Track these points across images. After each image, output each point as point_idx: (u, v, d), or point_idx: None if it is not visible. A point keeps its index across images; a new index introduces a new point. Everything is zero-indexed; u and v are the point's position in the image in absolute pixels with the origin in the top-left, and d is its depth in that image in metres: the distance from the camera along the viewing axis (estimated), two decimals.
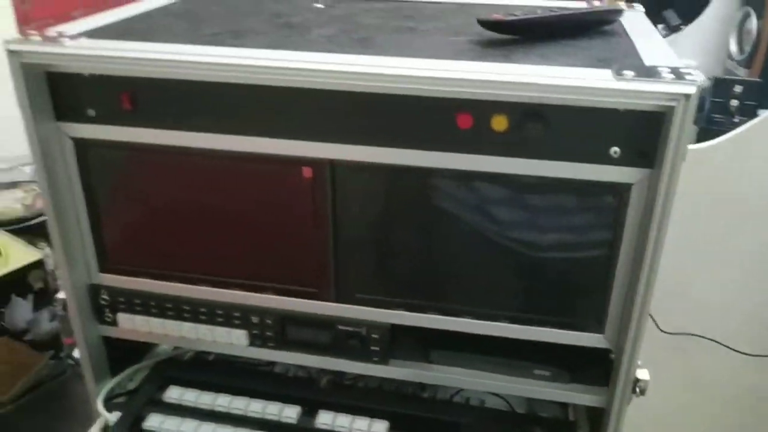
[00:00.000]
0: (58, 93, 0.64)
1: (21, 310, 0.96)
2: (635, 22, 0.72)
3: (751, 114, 1.56)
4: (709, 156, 1.43)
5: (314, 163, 0.62)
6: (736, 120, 1.72)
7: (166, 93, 0.62)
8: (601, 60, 0.58)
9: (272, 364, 0.84)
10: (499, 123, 0.57)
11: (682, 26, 2.22)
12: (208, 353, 0.84)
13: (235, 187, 0.65)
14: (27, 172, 1.33)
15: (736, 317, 1.51)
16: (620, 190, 0.58)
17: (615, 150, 0.56)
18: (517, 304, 0.65)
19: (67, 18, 0.70)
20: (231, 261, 0.69)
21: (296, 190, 0.63)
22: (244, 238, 0.67)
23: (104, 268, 0.72)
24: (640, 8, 0.78)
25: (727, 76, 1.89)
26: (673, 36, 2.12)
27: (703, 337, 1.53)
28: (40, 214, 1.12)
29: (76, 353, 1.08)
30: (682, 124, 0.52)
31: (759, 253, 1.45)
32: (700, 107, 0.52)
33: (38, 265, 0.96)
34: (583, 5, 0.81)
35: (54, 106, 0.64)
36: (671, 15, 2.37)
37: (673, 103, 0.51)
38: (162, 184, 0.67)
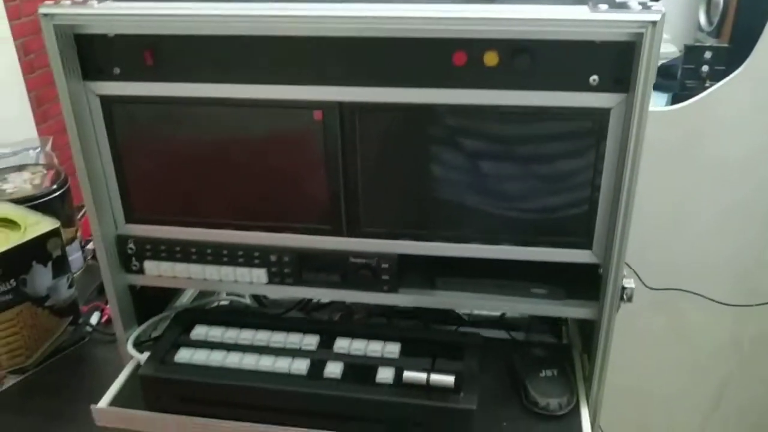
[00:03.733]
0: (85, 53, 0.70)
1: (42, 277, 1.01)
2: None
3: (721, 79, 1.63)
4: (681, 117, 1.51)
5: (324, 105, 0.68)
6: (707, 85, 1.80)
7: (184, 48, 0.68)
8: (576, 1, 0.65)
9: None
10: (491, 58, 0.64)
11: (652, 0, 2.30)
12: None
13: (251, 133, 0.72)
14: (32, 155, 1.39)
15: (715, 270, 1.59)
16: (600, 114, 0.65)
17: (594, 78, 0.63)
18: (515, 227, 0.72)
19: None
20: (250, 204, 0.75)
21: (308, 132, 0.70)
22: (262, 181, 0.74)
23: (130, 219, 0.78)
24: None
25: (696, 44, 1.97)
26: None
27: (685, 290, 1.60)
28: (49, 193, 1.17)
29: (93, 319, 1.14)
30: (651, 48, 0.59)
31: (732, 208, 1.53)
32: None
33: (56, 233, 1.02)
34: None
35: (82, 65, 0.70)
36: None
37: (641, 30, 0.59)
38: (182, 134, 0.73)
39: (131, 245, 0.79)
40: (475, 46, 0.63)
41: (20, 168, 1.28)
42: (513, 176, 0.69)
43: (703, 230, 1.58)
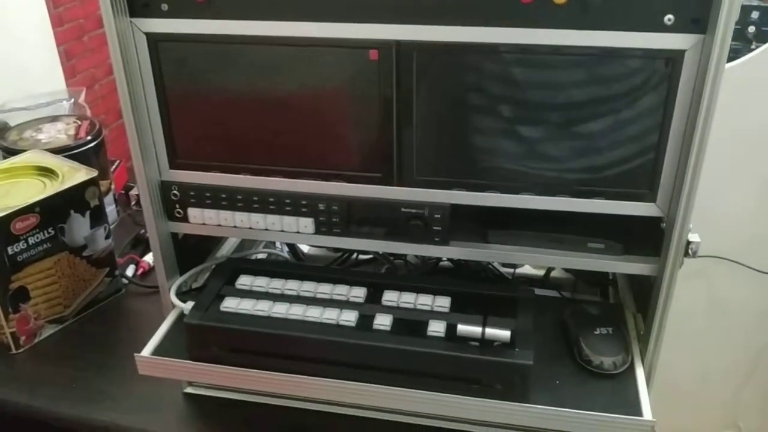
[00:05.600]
0: None
1: (80, 226, 1.00)
2: None
3: None
4: (725, 79, 1.46)
5: (380, 45, 0.65)
6: (753, 46, 1.74)
7: None
8: None
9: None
10: None
11: None
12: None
13: (304, 74, 0.69)
14: (65, 106, 1.37)
15: (753, 238, 1.55)
16: (674, 57, 0.61)
17: (669, 17, 0.59)
18: (574, 177, 0.69)
19: None
20: (299, 150, 0.73)
21: (362, 74, 0.67)
22: (313, 126, 0.71)
23: (174, 165, 0.76)
24: None
25: (743, 3, 1.90)
26: None
27: (724, 258, 1.57)
28: (84, 144, 1.15)
29: (128, 272, 1.13)
30: None
31: None
32: None
33: (93, 182, 1.00)
34: None
35: (128, 1, 0.68)
36: None
37: None
38: (231, 75, 0.70)
39: (175, 191, 0.77)
40: None
41: (54, 119, 1.26)
42: (575, 123, 0.66)
43: (743, 196, 1.54)
